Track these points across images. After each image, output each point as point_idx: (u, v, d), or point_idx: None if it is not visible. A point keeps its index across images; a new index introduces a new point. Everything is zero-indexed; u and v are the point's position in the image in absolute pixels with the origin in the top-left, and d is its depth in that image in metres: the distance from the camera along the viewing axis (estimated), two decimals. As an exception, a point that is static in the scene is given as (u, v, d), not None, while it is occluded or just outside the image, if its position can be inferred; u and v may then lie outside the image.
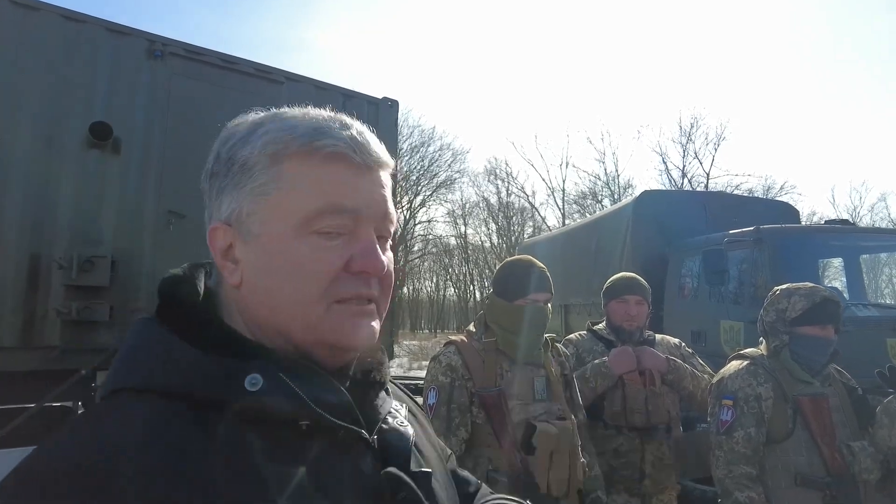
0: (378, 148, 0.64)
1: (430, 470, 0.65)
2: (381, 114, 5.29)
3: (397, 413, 0.69)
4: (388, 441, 0.64)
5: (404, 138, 26.16)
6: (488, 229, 30.09)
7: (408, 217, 26.94)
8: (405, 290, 26.33)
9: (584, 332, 2.70)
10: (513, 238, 27.84)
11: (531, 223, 28.90)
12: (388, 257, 0.64)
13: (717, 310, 5.70)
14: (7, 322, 3.45)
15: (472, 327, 2.04)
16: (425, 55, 44.98)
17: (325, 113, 0.64)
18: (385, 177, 0.65)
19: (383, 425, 0.65)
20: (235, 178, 0.62)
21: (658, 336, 2.65)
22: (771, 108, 41.38)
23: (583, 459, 1.92)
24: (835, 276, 9.10)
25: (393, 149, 5.60)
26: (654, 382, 2.39)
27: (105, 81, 3.92)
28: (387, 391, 0.71)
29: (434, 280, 33.43)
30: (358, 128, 0.64)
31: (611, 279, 2.72)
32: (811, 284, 2.11)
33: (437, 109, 45.53)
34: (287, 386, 0.55)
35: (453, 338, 1.98)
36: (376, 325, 0.64)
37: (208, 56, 4.32)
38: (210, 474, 0.50)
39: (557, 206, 27.86)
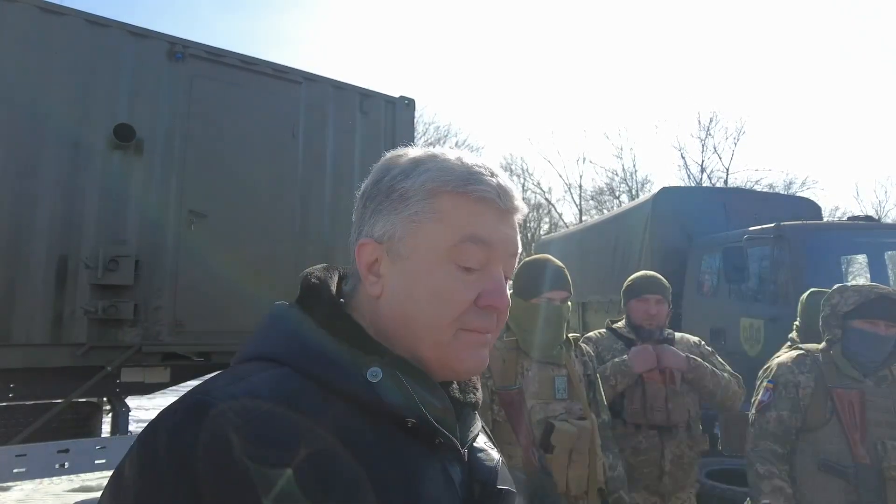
0: (517, 195, 0.71)
1: (514, 490, 0.70)
2: (398, 112, 5.32)
3: (485, 436, 0.76)
4: (478, 458, 0.70)
5: (419, 135, 26.19)
6: (505, 227, 29.97)
7: (424, 214, 27.01)
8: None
9: (604, 330, 2.70)
10: (529, 235, 27.75)
11: (548, 219, 28.81)
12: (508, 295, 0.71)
13: (737, 307, 5.64)
14: (37, 320, 3.54)
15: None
16: (439, 52, 44.94)
17: (477, 159, 0.72)
18: (517, 221, 0.72)
19: (474, 444, 0.71)
20: (394, 205, 0.69)
21: (678, 335, 2.64)
22: (792, 101, 40.71)
23: (604, 459, 1.93)
24: (859, 272, 8.94)
25: (409, 146, 5.69)
26: (675, 381, 2.38)
27: (128, 84, 4.00)
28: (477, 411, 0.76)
29: (450, 277, 33.48)
30: (503, 177, 0.71)
31: (631, 278, 2.71)
32: (872, 283, 2.15)
33: (451, 106, 45.46)
34: (402, 383, 0.62)
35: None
36: (487, 353, 0.70)
37: (228, 57, 4.38)
38: (323, 447, 0.56)
39: (574, 202, 27.74)
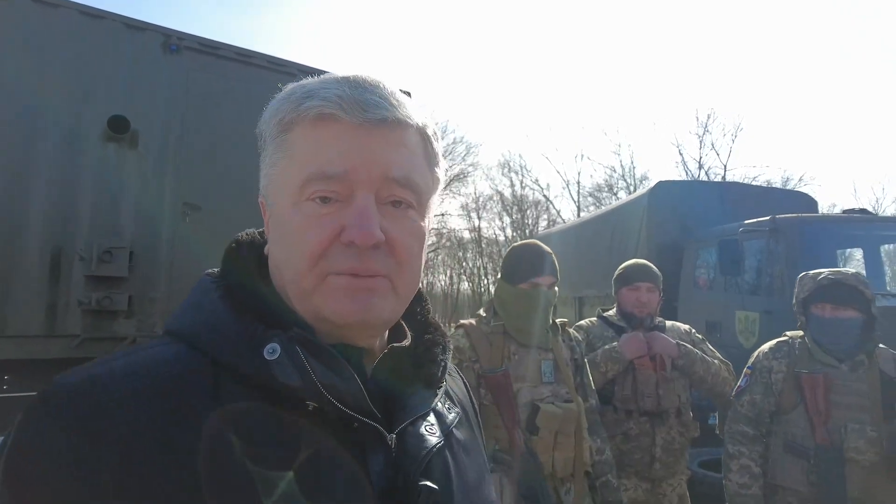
0: (383, 105, 0.59)
1: (435, 487, 0.59)
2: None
3: (435, 419, 0.66)
4: (407, 445, 0.60)
5: (418, 132, 26.16)
6: (502, 223, 30.01)
7: (421, 211, 26.97)
8: (420, 284, 26.39)
9: (595, 318, 2.71)
10: (527, 231, 27.75)
11: (546, 216, 28.80)
12: (402, 226, 0.60)
13: (732, 300, 5.65)
14: (32, 311, 3.55)
15: (482, 312, 2.06)
16: (438, 49, 44.90)
17: (343, 74, 0.61)
18: (400, 136, 0.60)
19: (409, 426, 0.61)
20: (263, 152, 0.64)
21: (669, 322, 2.65)
22: (790, 99, 40.69)
23: (591, 443, 1.94)
24: (855, 267, 8.96)
25: None
26: (665, 367, 2.39)
27: (122, 76, 4.00)
28: (435, 393, 0.67)
29: (448, 274, 33.48)
30: (354, 84, 0.59)
31: (622, 266, 2.73)
32: (830, 269, 2.17)
33: (450, 102, 45.44)
34: (300, 361, 0.54)
35: (463, 322, 2.02)
36: (383, 301, 0.59)
37: (223, 50, 4.38)
38: (203, 428, 0.51)
39: (572, 198, 27.72)
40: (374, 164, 0.58)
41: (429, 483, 0.59)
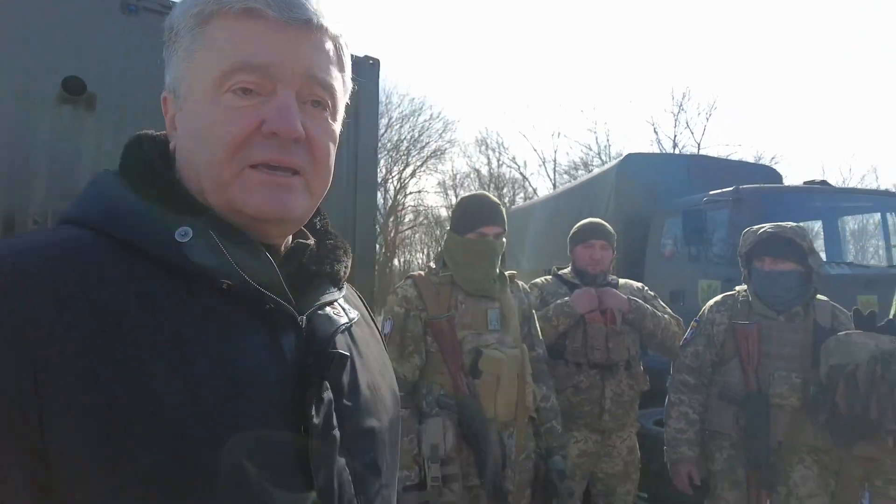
0: (308, 8, 0.61)
1: (346, 353, 0.63)
2: (362, 72, 5.21)
3: (340, 309, 0.68)
4: (316, 325, 0.63)
5: (394, 106, 25.80)
6: (480, 201, 30.01)
7: (398, 188, 26.80)
8: (396, 261, 26.36)
9: (550, 276, 2.75)
10: (504, 210, 27.83)
11: (522, 194, 28.86)
12: (319, 126, 0.62)
13: (695, 269, 5.77)
14: (-16, 276, 3.47)
15: (432, 264, 2.09)
16: (414, 24, 44.24)
17: None
18: (320, 40, 0.62)
19: (318, 311, 0.64)
20: (173, 46, 0.64)
21: (622, 280, 2.70)
22: (764, 79, 41.14)
23: (536, 389, 1.99)
24: (815, 238, 9.18)
25: (374, 112, 5.52)
26: (615, 321, 2.45)
27: (78, 36, 3.87)
28: (339, 289, 0.69)
29: (425, 252, 33.52)
30: None
31: (577, 225, 2.77)
32: (774, 223, 2.23)
33: (426, 79, 44.89)
34: (215, 243, 0.56)
35: (413, 273, 2.04)
36: (299, 198, 0.61)
37: (182, 11, 4.27)
38: (114, 303, 0.51)
39: (549, 176, 27.81)
40: (297, 62, 0.60)
41: (340, 350, 0.62)
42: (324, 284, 0.67)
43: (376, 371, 0.73)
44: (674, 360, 2.49)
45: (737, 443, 2.06)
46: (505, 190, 29.01)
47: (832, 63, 39.86)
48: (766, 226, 2.21)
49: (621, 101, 44.38)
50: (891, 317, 2.16)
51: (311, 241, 0.70)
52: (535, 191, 28.36)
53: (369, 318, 0.83)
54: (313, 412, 0.57)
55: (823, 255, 6.31)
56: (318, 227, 0.76)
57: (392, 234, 24.85)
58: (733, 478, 2.04)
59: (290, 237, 0.70)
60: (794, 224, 2.22)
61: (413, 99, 29.40)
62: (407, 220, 28.32)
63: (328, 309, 0.66)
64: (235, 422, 0.53)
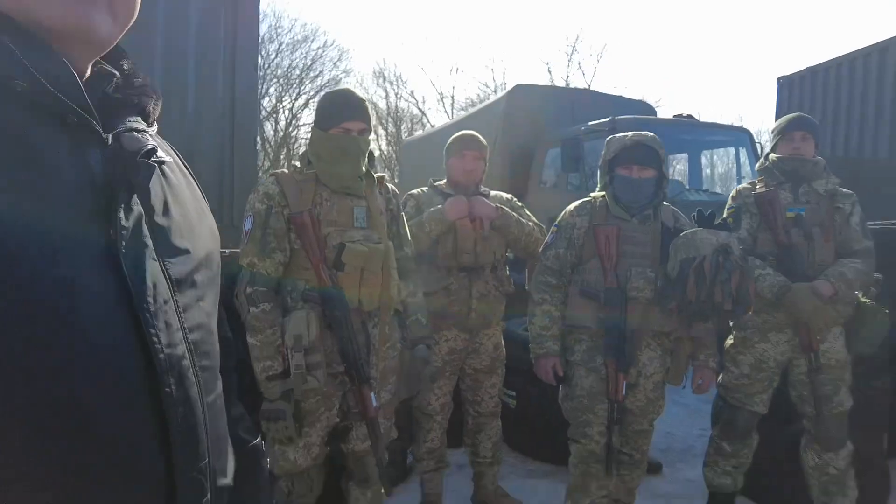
0: None
1: (153, 163, 0.61)
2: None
3: (150, 139, 0.64)
4: (123, 143, 0.59)
5: (285, 31, 24.14)
6: (376, 135, 29.48)
7: (290, 119, 25.49)
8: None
9: (426, 188, 2.81)
10: (402, 146, 27.58)
11: (421, 130, 28.66)
12: None
13: (573, 197, 6.01)
14: None
15: (296, 163, 2.05)
16: (309, -57, 41.14)
17: None
18: None
19: (125, 133, 0.60)
20: None
21: (493, 192, 2.81)
22: (651, 27, 42.95)
23: (402, 284, 2.05)
24: (680, 174, 9.99)
25: (254, 35, 5.14)
26: (484, 227, 2.57)
27: None
28: (149, 125, 0.66)
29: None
30: None
31: (452, 137, 2.82)
32: (633, 132, 2.37)
33: (319, 4, 42.35)
34: (6, 43, 0.51)
35: (276, 170, 2.00)
36: (102, 13, 0.57)
37: None
38: None
39: (447, 112, 27.73)
40: None
41: (147, 160, 0.60)
42: (131, 115, 0.64)
43: (192, 210, 0.71)
44: (537, 263, 2.62)
45: (596, 334, 2.25)
46: (403, 126, 28.65)
47: (713, 13, 42.29)
48: (629, 134, 2.34)
49: (518, 38, 44.62)
50: (724, 218, 2.47)
51: (117, 74, 0.66)
52: (433, 127, 28.24)
53: (185, 169, 0.81)
54: (121, 215, 0.56)
55: (687, 185, 6.94)
56: (126, 68, 0.72)
57: (284, 168, 23.72)
58: (592, 365, 2.23)
59: (92, 67, 0.65)
60: (652, 134, 2.37)
61: (305, 24, 27.59)
62: (300, 153, 27.13)
63: (136, 134, 0.63)
64: (39, 222, 0.50)
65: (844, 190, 2.56)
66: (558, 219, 2.44)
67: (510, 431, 3.20)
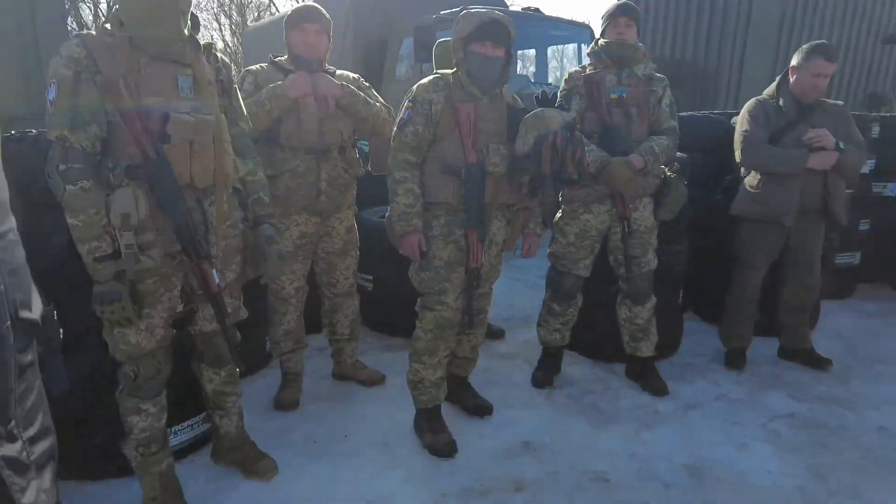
0: None
1: None
2: None
3: None
4: None
5: None
6: (220, 25, 26.43)
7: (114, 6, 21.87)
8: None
9: (266, 64, 2.63)
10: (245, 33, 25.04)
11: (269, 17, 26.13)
12: None
13: (427, 86, 6.09)
14: None
15: (107, 25, 1.80)
16: None
17: None
18: None
19: None
20: None
21: (339, 71, 2.71)
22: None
23: (239, 162, 1.96)
24: (527, 68, 10.32)
25: None
26: (328, 106, 2.49)
27: None
28: None
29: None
30: None
31: (292, 9, 2.63)
32: (488, 8, 2.35)
33: None
34: None
35: (80, 32, 1.74)
36: None
37: None
38: None
39: (297, 1, 25.44)
40: None
41: None
42: None
43: None
44: (377, 142, 2.54)
45: (455, 209, 2.33)
46: (250, 16, 25.92)
47: None
48: (484, 10, 2.32)
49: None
50: (559, 100, 2.64)
51: None
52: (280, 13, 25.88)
53: None
54: None
55: (533, 79, 7.20)
56: None
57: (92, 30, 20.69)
58: (451, 238, 2.34)
59: None
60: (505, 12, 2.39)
61: None
62: (111, 14, 23.54)
63: None
64: None
65: (658, 75, 2.84)
66: (413, 94, 2.38)
67: (368, 312, 3.33)
